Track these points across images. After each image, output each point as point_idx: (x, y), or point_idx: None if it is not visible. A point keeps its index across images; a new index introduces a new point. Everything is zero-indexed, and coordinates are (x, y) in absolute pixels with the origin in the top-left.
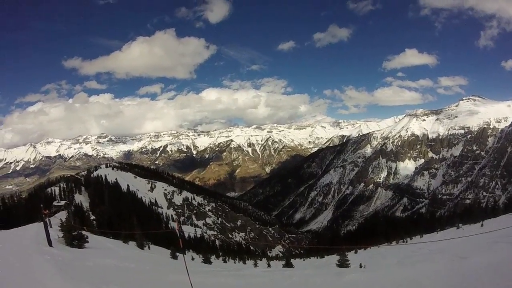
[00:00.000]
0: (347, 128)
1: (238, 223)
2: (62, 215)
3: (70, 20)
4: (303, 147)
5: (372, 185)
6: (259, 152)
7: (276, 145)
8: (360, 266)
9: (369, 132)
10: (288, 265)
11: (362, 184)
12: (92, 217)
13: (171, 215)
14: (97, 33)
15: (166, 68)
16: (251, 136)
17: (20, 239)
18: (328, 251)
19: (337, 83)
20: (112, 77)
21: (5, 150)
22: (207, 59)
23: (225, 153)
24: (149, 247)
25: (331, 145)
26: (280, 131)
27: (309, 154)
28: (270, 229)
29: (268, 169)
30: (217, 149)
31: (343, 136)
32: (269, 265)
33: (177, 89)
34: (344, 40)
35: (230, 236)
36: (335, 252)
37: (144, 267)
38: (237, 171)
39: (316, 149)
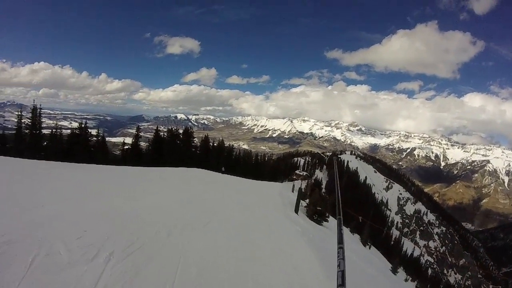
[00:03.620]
0: None
1: (461, 262)
2: (298, 183)
3: (333, 15)
4: None
5: None
6: None
7: None
8: None
9: None
10: None
11: None
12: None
13: (397, 222)
14: (358, 27)
15: (426, 64)
16: None
17: (269, 194)
18: None
19: None
20: (370, 69)
21: (267, 119)
22: (473, 58)
23: (476, 175)
24: (369, 247)
25: None
26: None
27: None
28: (491, 286)
29: None
30: (468, 167)
31: None
32: None
33: (437, 89)
34: None
35: (445, 272)
36: None
37: (373, 271)
38: (484, 201)
39: None
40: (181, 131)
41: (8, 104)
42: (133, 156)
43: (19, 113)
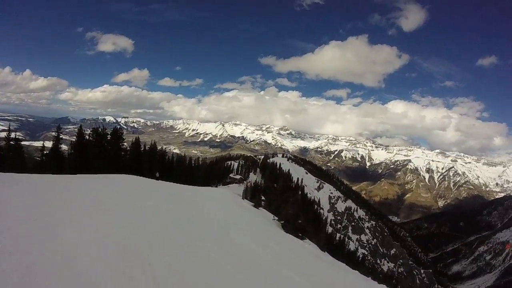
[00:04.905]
0: None
1: (392, 251)
2: (235, 187)
3: (270, 23)
4: (487, 189)
5: None
6: (436, 181)
7: (458, 178)
8: None
9: None
10: None
11: None
12: (263, 198)
13: (331, 220)
14: (293, 36)
15: (355, 73)
16: (432, 161)
17: (232, 207)
18: None
19: None
20: (302, 76)
21: (198, 123)
22: (398, 69)
23: (399, 173)
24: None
25: None
26: (465, 163)
27: (492, 198)
28: (422, 271)
29: (441, 203)
30: (392, 166)
31: None
32: None
33: (363, 96)
34: None
35: (378, 261)
36: None
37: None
38: (407, 195)
39: (502, 194)
40: (108, 131)
41: None
42: (53, 162)
43: None
